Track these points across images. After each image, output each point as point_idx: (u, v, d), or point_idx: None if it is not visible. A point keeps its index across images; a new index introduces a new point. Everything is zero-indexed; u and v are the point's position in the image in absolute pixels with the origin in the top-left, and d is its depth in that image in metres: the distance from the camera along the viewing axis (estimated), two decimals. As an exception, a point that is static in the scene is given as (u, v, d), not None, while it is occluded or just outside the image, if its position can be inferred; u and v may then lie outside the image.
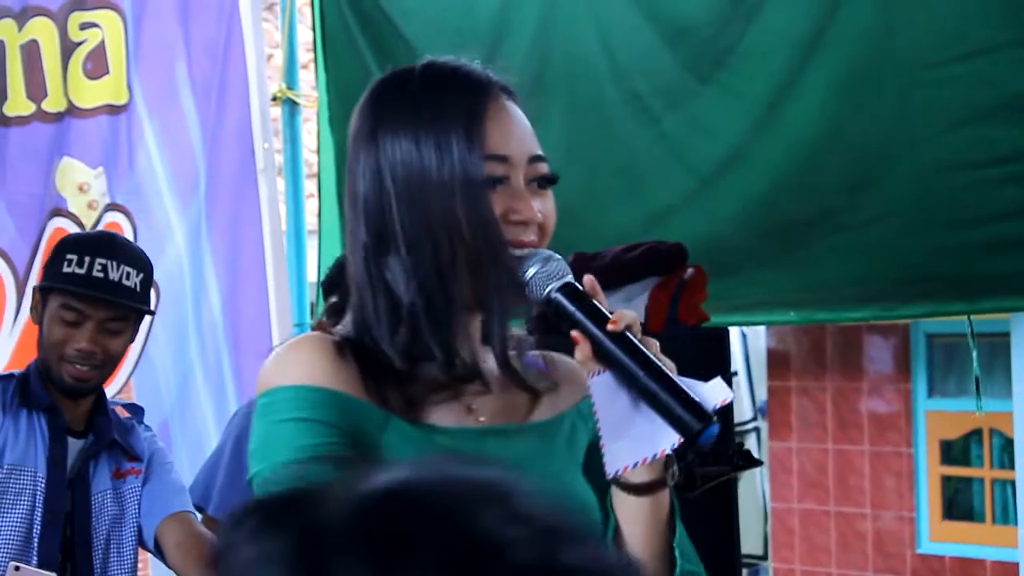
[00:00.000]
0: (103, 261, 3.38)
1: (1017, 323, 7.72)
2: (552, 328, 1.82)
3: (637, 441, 1.72)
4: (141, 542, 3.48)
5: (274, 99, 4.92)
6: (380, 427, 1.78)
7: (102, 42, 4.68)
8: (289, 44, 4.99)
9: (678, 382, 1.72)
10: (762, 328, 10.42)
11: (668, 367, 1.74)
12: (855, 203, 3.98)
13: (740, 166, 4.11)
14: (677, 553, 1.79)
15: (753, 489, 9.45)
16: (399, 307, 1.81)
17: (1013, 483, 8.32)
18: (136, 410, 3.62)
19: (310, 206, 5.00)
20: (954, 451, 10.19)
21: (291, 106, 4.98)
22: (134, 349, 4.52)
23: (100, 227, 4.61)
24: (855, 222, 4.01)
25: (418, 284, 1.80)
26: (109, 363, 3.43)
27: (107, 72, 4.69)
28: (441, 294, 1.80)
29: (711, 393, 1.72)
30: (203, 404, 4.63)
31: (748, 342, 9.96)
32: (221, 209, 4.65)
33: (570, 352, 1.86)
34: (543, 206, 1.85)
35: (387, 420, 1.78)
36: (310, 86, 5.07)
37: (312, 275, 4.89)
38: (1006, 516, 9.77)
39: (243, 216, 4.65)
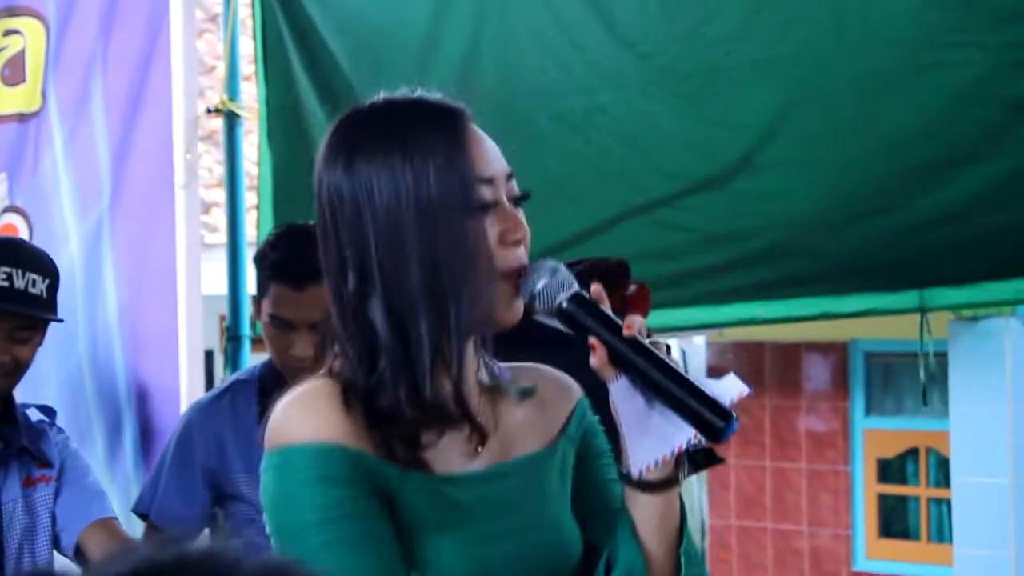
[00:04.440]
0: (8, 269, 3.30)
1: (955, 343, 7.79)
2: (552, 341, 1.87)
3: (655, 440, 1.78)
4: (59, 550, 3.40)
5: (217, 111, 4.89)
6: (396, 481, 1.78)
7: (22, 50, 4.67)
8: (231, 56, 4.96)
9: (695, 383, 1.77)
10: (702, 345, 10.46)
11: (682, 369, 1.78)
12: (820, 214, 4.00)
13: (694, 185, 4.12)
14: (683, 559, 1.85)
15: (691, 506, 9.48)
16: (377, 347, 1.79)
17: (949, 502, 8.39)
18: (49, 412, 3.53)
19: (252, 218, 4.97)
20: (891, 469, 10.26)
21: (231, 118, 4.95)
22: None
23: (-4, 229, 4.60)
24: (818, 230, 4.02)
25: (393, 321, 1.78)
26: (18, 371, 3.34)
27: (23, 80, 4.67)
28: (414, 330, 1.78)
29: (726, 389, 1.77)
30: (89, 405, 4.61)
31: (688, 359, 10.00)
32: (129, 219, 4.63)
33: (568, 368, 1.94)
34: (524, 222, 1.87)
35: (402, 475, 1.79)
36: (254, 98, 5.04)
37: (253, 287, 4.87)
38: (941, 534, 9.84)
39: (155, 227, 4.63)
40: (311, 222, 3.61)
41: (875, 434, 10.23)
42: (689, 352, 9.91)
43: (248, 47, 5.32)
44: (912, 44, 3.69)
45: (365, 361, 1.79)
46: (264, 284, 3.47)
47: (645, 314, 3.97)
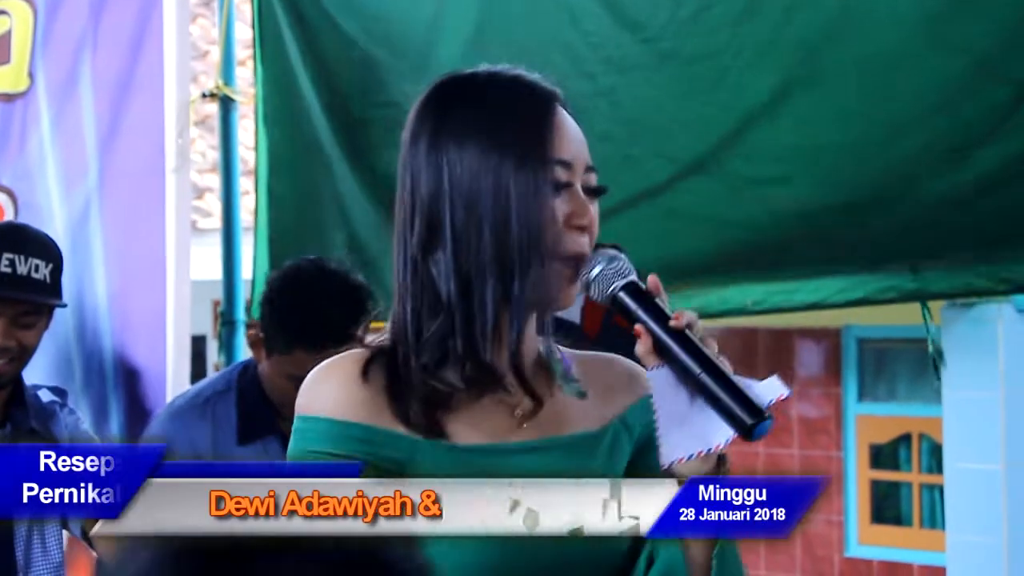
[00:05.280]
0: (10, 256, 3.29)
1: (948, 329, 7.79)
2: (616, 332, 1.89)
3: (693, 435, 1.78)
4: (69, 532, 3.41)
5: (212, 95, 4.89)
6: (407, 452, 1.82)
7: (8, 31, 4.69)
8: (226, 40, 4.96)
9: (733, 379, 1.78)
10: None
11: (725, 366, 1.80)
12: (823, 201, 3.98)
13: (693, 170, 4.11)
14: (714, 562, 1.83)
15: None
16: (436, 304, 1.84)
17: (941, 488, 8.39)
18: (61, 392, 3.53)
19: (247, 203, 4.97)
20: (883, 455, 10.26)
21: (226, 103, 4.95)
22: None
23: (-20, 208, 4.61)
24: (825, 222, 4.01)
25: (458, 278, 1.83)
26: (24, 356, 3.34)
27: (8, 61, 4.70)
28: (479, 290, 1.83)
29: (767, 390, 1.80)
30: (76, 385, 4.63)
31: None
32: (118, 201, 4.66)
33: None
34: (594, 213, 1.89)
35: (413, 445, 1.82)
36: (248, 83, 5.04)
37: (247, 272, 4.86)
38: (934, 520, 9.85)
39: (145, 210, 4.64)
40: (323, 259, 3.49)
41: (868, 420, 10.23)
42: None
43: (242, 33, 5.32)
44: (917, 24, 3.67)
45: (418, 317, 1.84)
46: (284, 343, 3.38)
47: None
